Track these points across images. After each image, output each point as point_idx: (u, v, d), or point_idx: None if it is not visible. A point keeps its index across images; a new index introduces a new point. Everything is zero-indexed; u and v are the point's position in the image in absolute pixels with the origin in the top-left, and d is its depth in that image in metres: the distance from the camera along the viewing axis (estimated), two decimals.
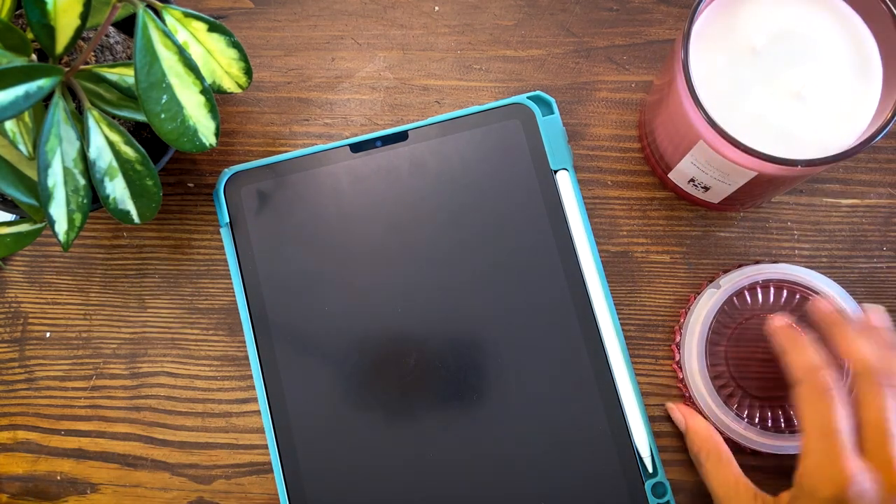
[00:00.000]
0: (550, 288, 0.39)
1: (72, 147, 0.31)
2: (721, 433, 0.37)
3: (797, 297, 0.37)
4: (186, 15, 0.33)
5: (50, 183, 0.30)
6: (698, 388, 0.37)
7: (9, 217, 0.40)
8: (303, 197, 0.40)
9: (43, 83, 0.28)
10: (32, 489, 0.40)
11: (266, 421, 0.38)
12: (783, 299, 0.37)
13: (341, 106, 0.43)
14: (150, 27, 0.30)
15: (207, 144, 0.34)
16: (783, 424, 0.36)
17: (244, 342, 0.41)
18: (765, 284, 0.37)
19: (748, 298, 0.37)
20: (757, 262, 0.39)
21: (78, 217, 0.32)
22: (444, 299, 0.39)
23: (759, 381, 0.37)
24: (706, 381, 0.37)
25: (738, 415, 0.36)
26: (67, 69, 0.31)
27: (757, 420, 0.36)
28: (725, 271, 0.39)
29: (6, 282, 0.42)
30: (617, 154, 0.42)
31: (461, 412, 0.38)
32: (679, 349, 0.38)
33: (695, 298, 0.39)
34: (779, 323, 0.34)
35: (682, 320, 0.39)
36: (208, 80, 0.35)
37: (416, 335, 0.39)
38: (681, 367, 0.38)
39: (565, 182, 0.40)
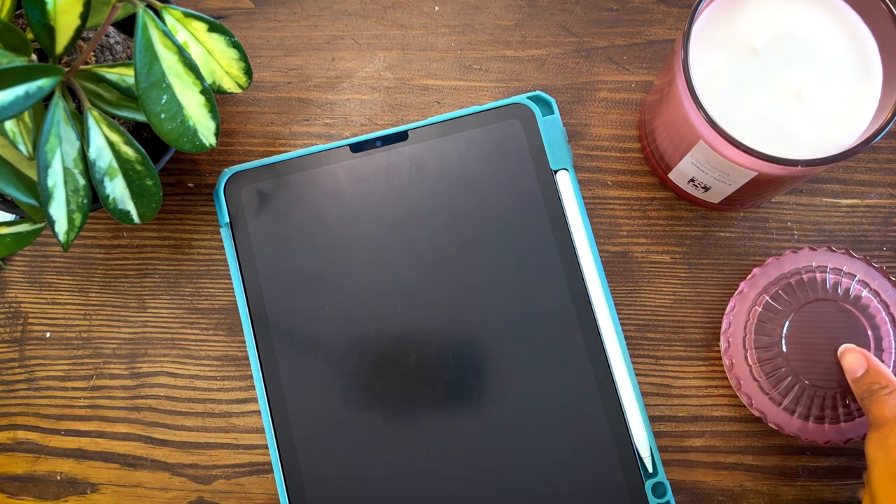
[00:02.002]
0: (550, 288, 0.39)
1: (72, 147, 0.31)
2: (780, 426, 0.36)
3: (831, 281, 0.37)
4: (186, 15, 0.33)
5: (50, 183, 0.30)
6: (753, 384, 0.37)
7: (9, 217, 0.40)
8: (303, 197, 0.40)
9: (43, 83, 0.28)
10: (32, 489, 0.40)
11: (266, 421, 0.38)
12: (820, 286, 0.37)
13: (341, 106, 0.43)
14: (150, 27, 0.30)
15: (207, 144, 0.34)
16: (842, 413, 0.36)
17: (244, 342, 0.41)
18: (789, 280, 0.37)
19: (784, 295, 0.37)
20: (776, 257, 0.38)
21: (78, 217, 0.32)
22: (444, 299, 0.39)
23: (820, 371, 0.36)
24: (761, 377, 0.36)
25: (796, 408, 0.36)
26: (67, 69, 0.31)
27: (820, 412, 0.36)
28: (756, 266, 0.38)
29: (6, 282, 0.42)
30: (617, 154, 0.42)
31: (461, 412, 0.38)
32: (728, 354, 0.38)
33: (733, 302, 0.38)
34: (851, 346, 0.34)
35: (725, 326, 0.38)
36: (208, 80, 0.35)
37: (415, 335, 0.39)
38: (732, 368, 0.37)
39: (565, 182, 0.40)
